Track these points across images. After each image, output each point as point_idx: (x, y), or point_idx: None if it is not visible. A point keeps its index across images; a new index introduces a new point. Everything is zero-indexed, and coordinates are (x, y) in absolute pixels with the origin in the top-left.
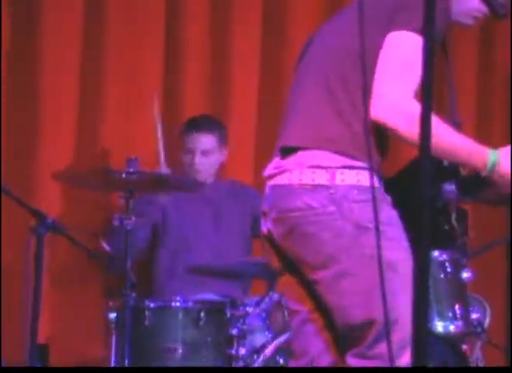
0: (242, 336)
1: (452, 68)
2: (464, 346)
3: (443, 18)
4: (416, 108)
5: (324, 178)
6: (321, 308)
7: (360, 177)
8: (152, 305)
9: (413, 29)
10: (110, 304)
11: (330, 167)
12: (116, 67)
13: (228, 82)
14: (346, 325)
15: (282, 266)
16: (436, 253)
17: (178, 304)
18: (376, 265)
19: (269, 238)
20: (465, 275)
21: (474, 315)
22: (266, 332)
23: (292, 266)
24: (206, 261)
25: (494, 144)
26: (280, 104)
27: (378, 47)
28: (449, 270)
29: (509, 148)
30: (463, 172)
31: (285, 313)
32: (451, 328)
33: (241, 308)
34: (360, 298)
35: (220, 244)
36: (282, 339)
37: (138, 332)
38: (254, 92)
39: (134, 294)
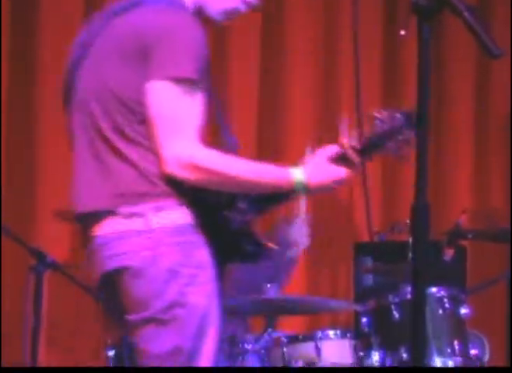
0: None
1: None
2: None
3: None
4: (200, 156)
5: (139, 223)
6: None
7: (173, 216)
8: None
9: (176, 77)
10: (109, 341)
11: (143, 213)
12: None
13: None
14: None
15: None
16: (434, 289)
17: None
18: (186, 311)
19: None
20: (464, 311)
21: (473, 351)
22: None
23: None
24: None
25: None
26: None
27: (136, 89)
28: (447, 305)
29: (310, 161)
30: None
31: (284, 349)
32: (450, 364)
33: (240, 345)
34: (166, 346)
35: None
36: None
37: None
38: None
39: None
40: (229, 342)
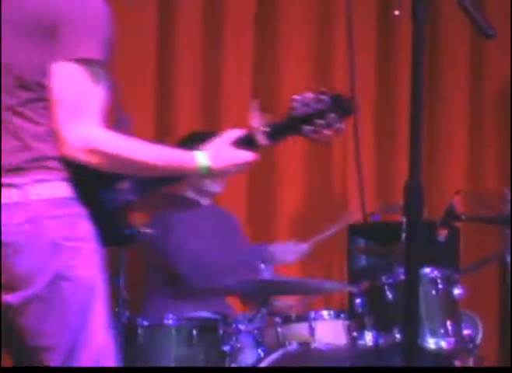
0: (234, 353)
1: None
2: (457, 363)
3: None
4: (102, 139)
5: (17, 195)
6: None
7: (54, 190)
8: (145, 323)
9: (82, 58)
10: None
11: (21, 184)
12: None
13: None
14: (34, 348)
15: None
16: (427, 270)
17: (171, 322)
18: (72, 285)
19: None
20: (457, 292)
21: (466, 332)
22: (258, 349)
23: None
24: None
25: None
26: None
27: (39, 69)
28: (440, 286)
29: (214, 144)
30: None
31: (278, 330)
32: (443, 344)
33: (234, 325)
34: (54, 322)
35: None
36: (274, 355)
37: (132, 350)
38: (246, 98)
39: (126, 312)
40: (222, 322)
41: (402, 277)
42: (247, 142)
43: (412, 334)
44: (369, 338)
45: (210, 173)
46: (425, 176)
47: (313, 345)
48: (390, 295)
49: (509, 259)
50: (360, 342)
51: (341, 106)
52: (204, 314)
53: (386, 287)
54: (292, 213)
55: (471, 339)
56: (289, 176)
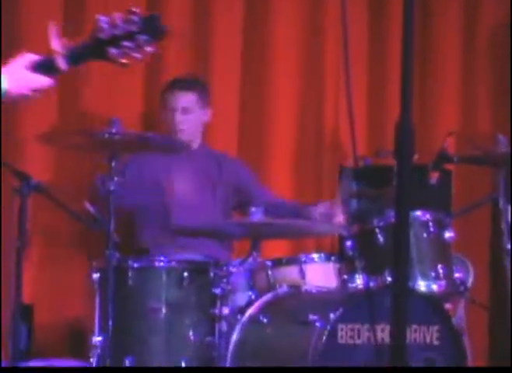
0: (225, 295)
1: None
2: (448, 306)
3: None
4: None
5: None
6: None
7: None
8: (135, 264)
9: None
10: (94, 264)
11: None
12: None
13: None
14: None
15: None
16: (418, 213)
17: (162, 264)
18: None
19: None
20: (448, 235)
21: (457, 275)
22: (249, 292)
23: None
24: (189, 223)
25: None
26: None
27: None
28: (432, 229)
29: (10, 68)
30: None
31: (269, 272)
32: (434, 287)
33: (225, 267)
34: None
35: (204, 208)
36: (265, 298)
37: (122, 292)
38: (237, 57)
39: (117, 254)
40: (213, 264)
41: (393, 220)
42: (46, 67)
43: (403, 277)
44: (359, 281)
45: (6, 96)
46: (416, 117)
47: (304, 288)
48: (381, 238)
49: (501, 202)
50: (351, 285)
51: (154, 28)
52: (195, 257)
53: (377, 230)
54: (284, 151)
55: (463, 282)
56: (282, 114)
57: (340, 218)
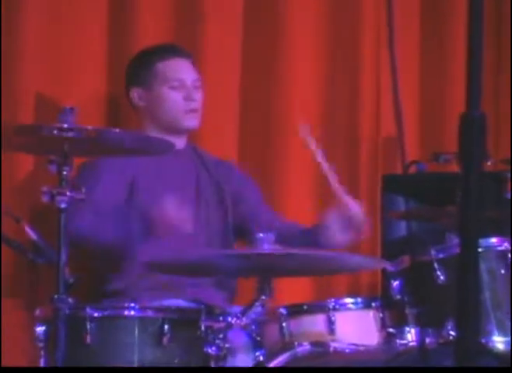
0: (222, 357)
1: None
2: None
3: None
4: None
5: None
6: None
7: None
8: (95, 314)
9: None
10: (37, 312)
11: None
12: None
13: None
14: None
15: None
16: (493, 240)
17: (133, 312)
18: None
19: None
20: None
21: None
22: (256, 353)
23: None
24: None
25: None
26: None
27: None
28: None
29: None
30: None
31: (284, 324)
32: None
33: (221, 317)
34: None
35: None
36: (279, 361)
37: (77, 352)
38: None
39: (70, 299)
40: (205, 314)
41: (458, 251)
42: None
43: (472, 331)
44: (411, 336)
45: None
46: (490, 118)
47: (333, 346)
48: (441, 276)
49: None
50: (399, 341)
51: None
52: (179, 303)
53: (435, 265)
54: (302, 160)
55: None
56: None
57: (354, 205)
